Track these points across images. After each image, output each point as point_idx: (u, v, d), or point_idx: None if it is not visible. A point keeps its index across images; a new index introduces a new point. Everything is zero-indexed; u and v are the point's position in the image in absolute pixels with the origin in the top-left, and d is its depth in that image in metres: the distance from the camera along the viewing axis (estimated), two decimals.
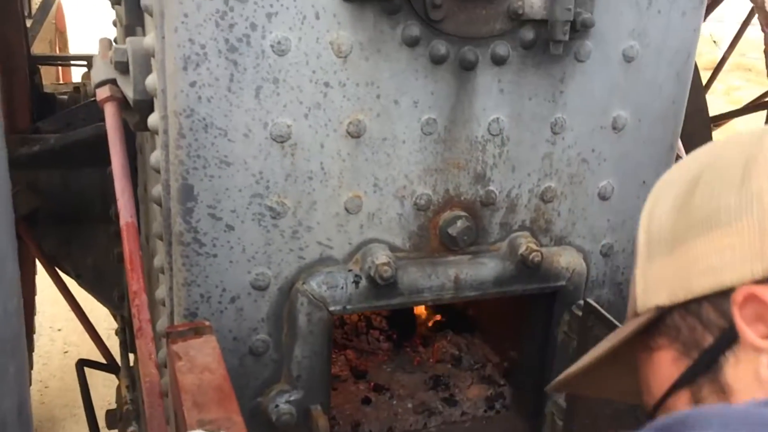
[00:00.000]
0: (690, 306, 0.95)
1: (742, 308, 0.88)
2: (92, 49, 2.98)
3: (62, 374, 5.54)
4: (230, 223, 1.72)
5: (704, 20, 2.05)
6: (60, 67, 6.25)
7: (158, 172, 1.73)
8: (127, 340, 3.58)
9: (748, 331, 0.87)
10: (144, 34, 1.93)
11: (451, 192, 1.93)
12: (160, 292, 1.90)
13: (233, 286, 1.78)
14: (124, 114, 1.98)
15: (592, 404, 2.07)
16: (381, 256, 1.83)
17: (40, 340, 5.67)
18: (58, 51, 6.38)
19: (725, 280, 0.90)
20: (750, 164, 0.92)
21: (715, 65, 4.65)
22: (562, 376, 1.20)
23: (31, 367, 4.51)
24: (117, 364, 3.71)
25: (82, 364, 3.71)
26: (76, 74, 6.05)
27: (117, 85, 1.96)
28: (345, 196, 1.81)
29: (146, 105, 1.79)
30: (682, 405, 0.96)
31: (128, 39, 1.80)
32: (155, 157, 1.74)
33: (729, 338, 0.90)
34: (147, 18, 1.80)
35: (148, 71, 1.74)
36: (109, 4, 2.58)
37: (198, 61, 1.58)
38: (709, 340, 0.93)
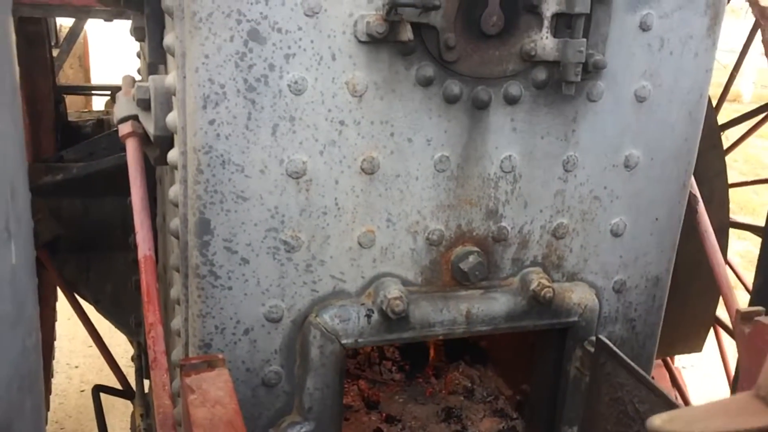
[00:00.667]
0: None
1: None
2: (115, 76, 3.06)
3: (78, 414, 5.46)
4: (245, 256, 1.76)
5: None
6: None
7: (176, 205, 1.77)
8: (143, 367, 3.61)
9: None
10: (166, 72, 1.99)
11: (463, 227, 1.95)
12: (176, 323, 1.93)
13: (247, 318, 1.81)
14: (145, 148, 2.03)
15: None
16: (393, 291, 1.85)
17: (56, 377, 5.52)
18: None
19: None
20: None
21: (736, 97, 4.62)
22: (668, 427, 0.93)
23: (47, 408, 4.47)
24: (132, 390, 3.74)
25: (97, 390, 3.74)
26: (99, 103, 6.17)
27: (139, 121, 2.02)
28: (358, 231, 1.84)
29: (166, 141, 1.84)
30: None
31: (151, 77, 1.86)
32: (174, 191, 1.78)
33: None
34: (169, 57, 1.86)
35: (169, 109, 1.79)
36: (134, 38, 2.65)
37: (217, 100, 1.63)
38: None
